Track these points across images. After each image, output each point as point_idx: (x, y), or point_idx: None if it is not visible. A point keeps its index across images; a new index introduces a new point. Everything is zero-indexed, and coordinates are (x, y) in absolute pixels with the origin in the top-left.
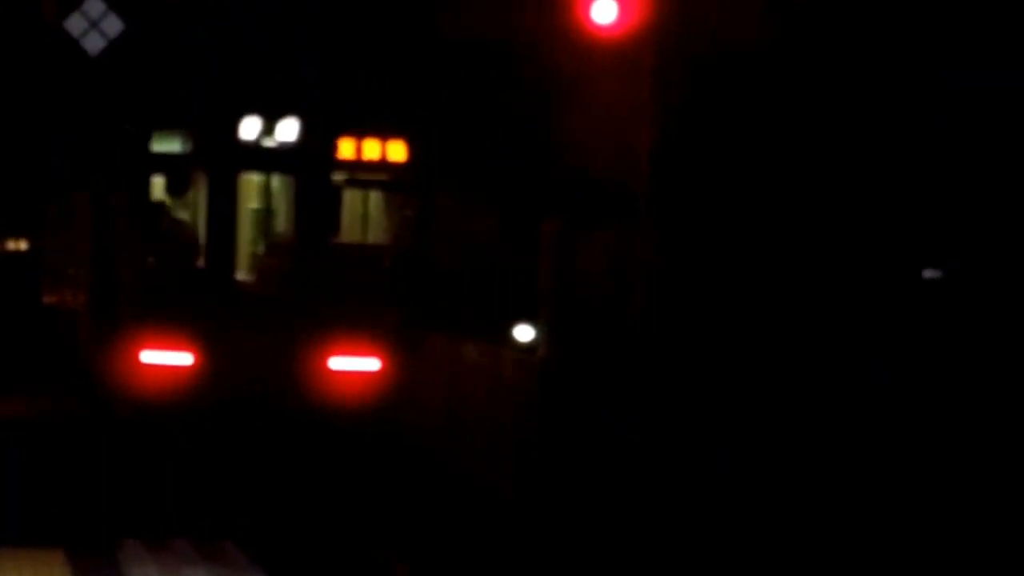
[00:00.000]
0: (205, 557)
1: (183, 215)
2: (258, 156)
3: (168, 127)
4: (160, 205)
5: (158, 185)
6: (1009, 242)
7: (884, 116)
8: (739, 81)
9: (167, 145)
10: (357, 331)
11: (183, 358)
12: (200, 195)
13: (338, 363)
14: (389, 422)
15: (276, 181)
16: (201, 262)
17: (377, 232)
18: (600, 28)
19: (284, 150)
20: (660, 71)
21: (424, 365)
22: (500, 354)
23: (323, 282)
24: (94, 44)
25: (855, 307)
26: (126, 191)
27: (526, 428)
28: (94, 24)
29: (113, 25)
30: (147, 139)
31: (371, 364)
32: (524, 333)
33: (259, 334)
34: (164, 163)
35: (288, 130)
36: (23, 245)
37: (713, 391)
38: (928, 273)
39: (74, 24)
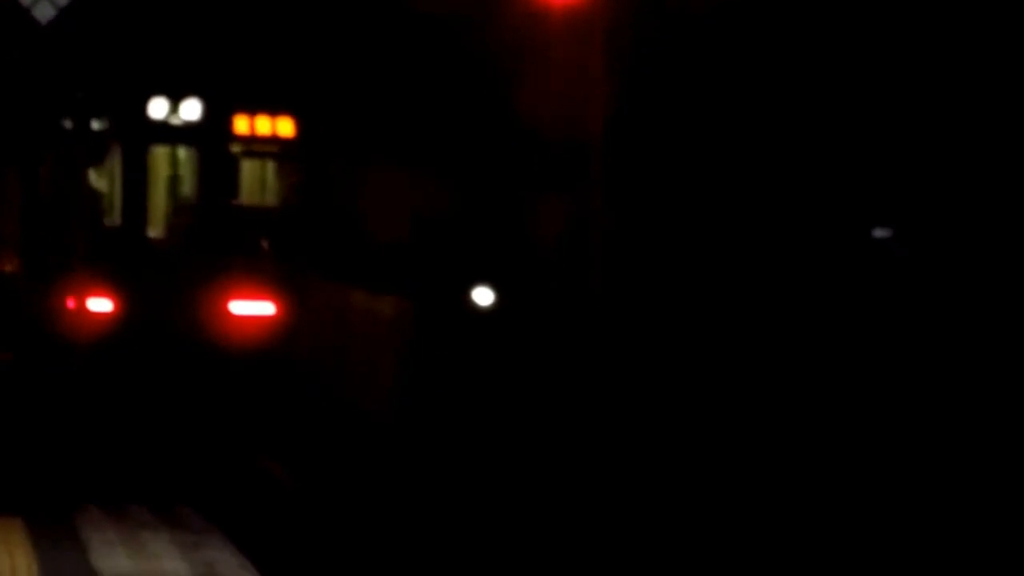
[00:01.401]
0: (164, 521)
1: (103, 183)
2: (166, 131)
3: (89, 107)
4: (82, 173)
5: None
6: (962, 204)
7: (833, 74)
8: (689, 43)
9: (86, 124)
10: (253, 279)
11: (104, 304)
12: (117, 165)
13: (237, 307)
14: (282, 357)
15: (182, 152)
16: (118, 222)
17: (269, 195)
18: None
19: (188, 126)
20: (611, 35)
21: (314, 308)
22: (381, 300)
23: (223, 238)
24: (44, 12)
25: (806, 266)
26: (54, 162)
27: (402, 360)
28: None
29: None
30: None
31: (266, 308)
32: (482, 296)
33: (169, 283)
34: (85, 137)
35: (191, 109)
36: None
37: (667, 351)
38: (879, 232)
39: None
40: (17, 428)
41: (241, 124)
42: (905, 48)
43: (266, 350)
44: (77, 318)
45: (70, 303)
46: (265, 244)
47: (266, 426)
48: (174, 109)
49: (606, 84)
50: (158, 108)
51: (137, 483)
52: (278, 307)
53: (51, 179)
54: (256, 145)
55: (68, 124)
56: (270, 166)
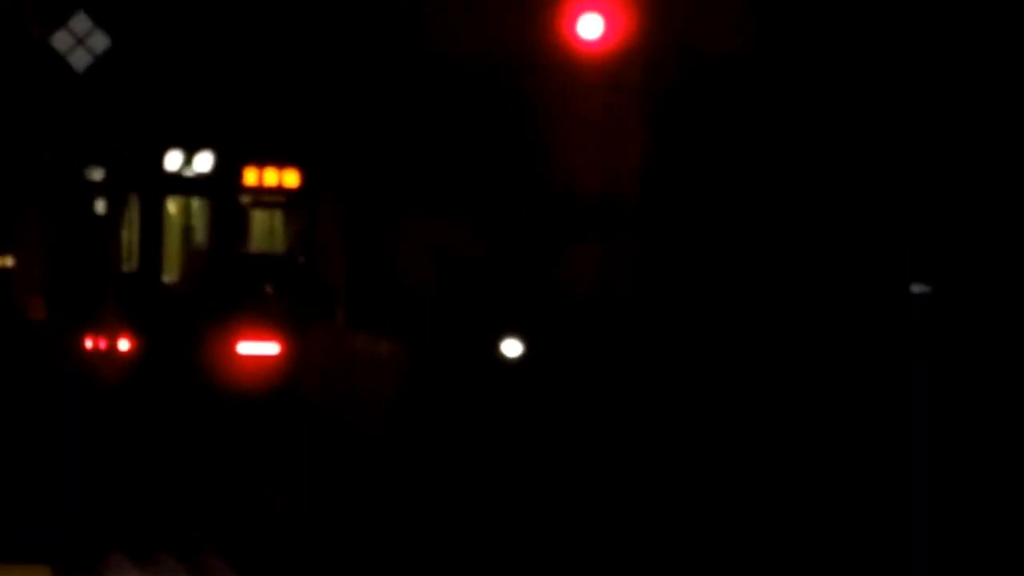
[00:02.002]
0: (191, 570)
1: (122, 230)
2: (178, 183)
3: (104, 160)
4: (100, 221)
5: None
6: (999, 256)
7: (870, 124)
8: (724, 93)
9: (106, 175)
10: (259, 322)
11: (122, 344)
12: (134, 214)
13: (244, 347)
14: (287, 392)
15: (195, 202)
16: (135, 268)
17: (276, 243)
18: (586, 44)
19: (200, 178)
20: (645, 86)
21: (315, 348)
22: (380, 342)
23: (232, 283)
24: (80, 60)
25: (842, 320)
26: (73, 210)
27: (400, 393)
28: (80, 41)
29: (99, 41)
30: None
31: (271, 348)
32: (511, 348)
33: (182, 325)
34: (103, 187)
35: (203, 162)
36: (9, 262)
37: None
38: (917, 288)
39: (60, 40)
40: (40, 467)
41: (250, 176)
42: (954, 98)
43: (271, 387)
44: (97, 358)
45: (90, 343)
46: (270, 289)
47: (270, 456)
48: (188, 162)
49: (640, 134)
50: (172, 161)
51: (151, 515)
52: (283, 347)
53: (74, 225)
54: (263, 196)
55: (91, 173)
56: (276, 215)
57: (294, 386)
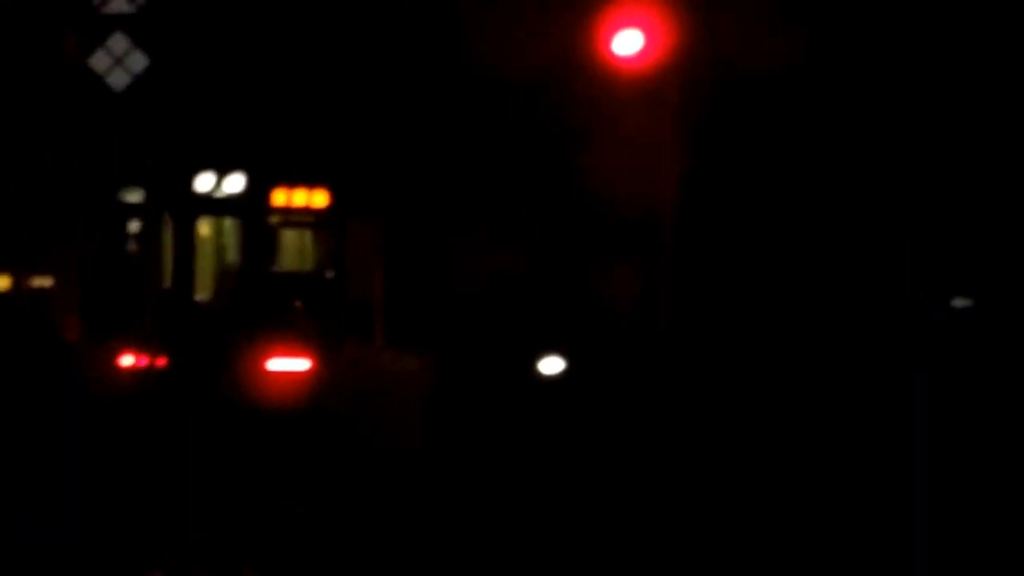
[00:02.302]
0: None
1: (156, 250)
2: (210, 204)
3: (137, 181)
4: (134, 241)
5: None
6: None
7: (912, 141)
8: (761, 110)
9: (138, 196)
10: (289, 338)
11: (149, 361)
12: (167, 234)
13: (275, 364)
14: (317, 408)
15: (226, 222)
16: (168, 286)
17: (305, 262)
18: (622, 60)
19: (230, 199)
20: (681, 101)
21: (344, 364)
22: (406, 357)
23: (262, 301)
24: (119, 80)
25: (882, 337)
26: (107, 231)
27: (427, 409)
28: (118, 61)
29: (137, 61)
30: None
31: (301, 364)
32: (551, 365)
33: (212, 341)
34: (136, 210)
35: (233, 183)
36: (48, 282)
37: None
38: (958, 302)
39: (98, 61)
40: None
41: (279, 197)
42: (1003, 117)
43: (301, 403)
44: (129, 374)
45: (124, 361)
46: (300, 306)
47: (299, 470)
48: (218, 184)
49: (677, 150)
50: (204, 183)
51: (181, 527)
52: (313, 363)
53: (109, 246)
54: (292, 216)
55: (125, 195)
56: (305, 234)
57: (323, 402)
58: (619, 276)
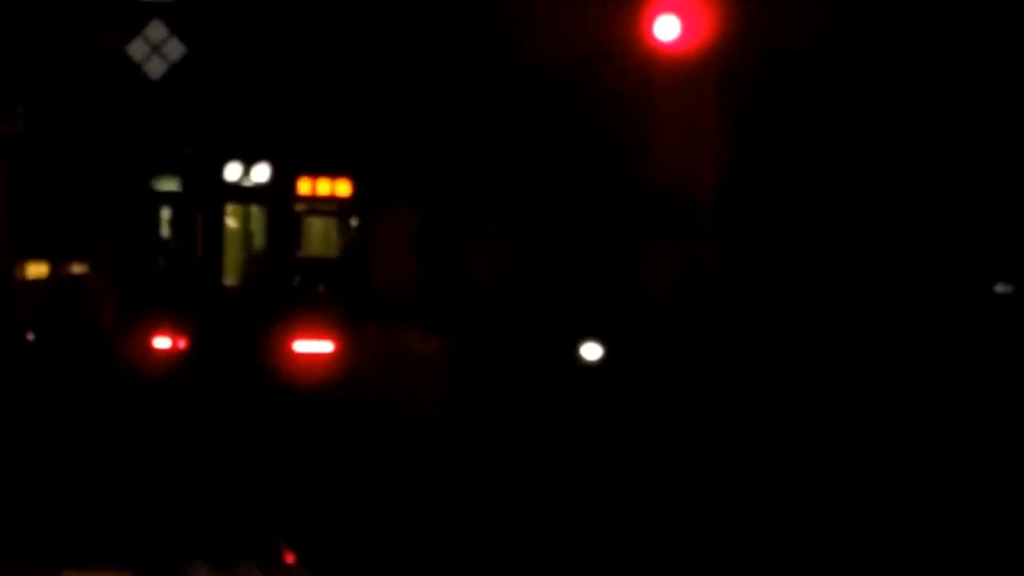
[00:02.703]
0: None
1: (186, 236)
2: (238, 192)
3: (170, 172)
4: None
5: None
6: None
7: (956, 124)
8: (801, 94)
9: (169, 184)
10: (314, 321)
11: (181, 345)
12: (197, 221)
13: (300, 345)
14: (341, 388)
15: (253, 210)
16: (199, 271)
17: (329, 248)
18: (662, 45)
19: (258, 188)
20: (722, 85)
21: (367, 345)
22: (428, 339)
23: (288, 285)
24: (156, 68)
25: (921, 324)
26: (140, 218)
27: (444, 390)
28: (156, 48)
29: (175, 49)
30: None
31: (326, 346)
32: (591, 351)
33: (241, 324)
34: (168, 198)
35: (260, 173)
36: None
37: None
38: (1000, 288)
39: (136, 49)
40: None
41: (304, 186)
42: None
43: (326, 383)
44: (162, 355)
45: (157, 343)
46: (324, 290)
47: (328, 446)
48: (246, 173)
49: (717, 134)
50: (232, 172)
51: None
52: (336, 345)
53: (142, 233)
54: (317, 204)
55: (158, 183)
56: (329, 221)
57: (347, 384)
58: (659, 262)
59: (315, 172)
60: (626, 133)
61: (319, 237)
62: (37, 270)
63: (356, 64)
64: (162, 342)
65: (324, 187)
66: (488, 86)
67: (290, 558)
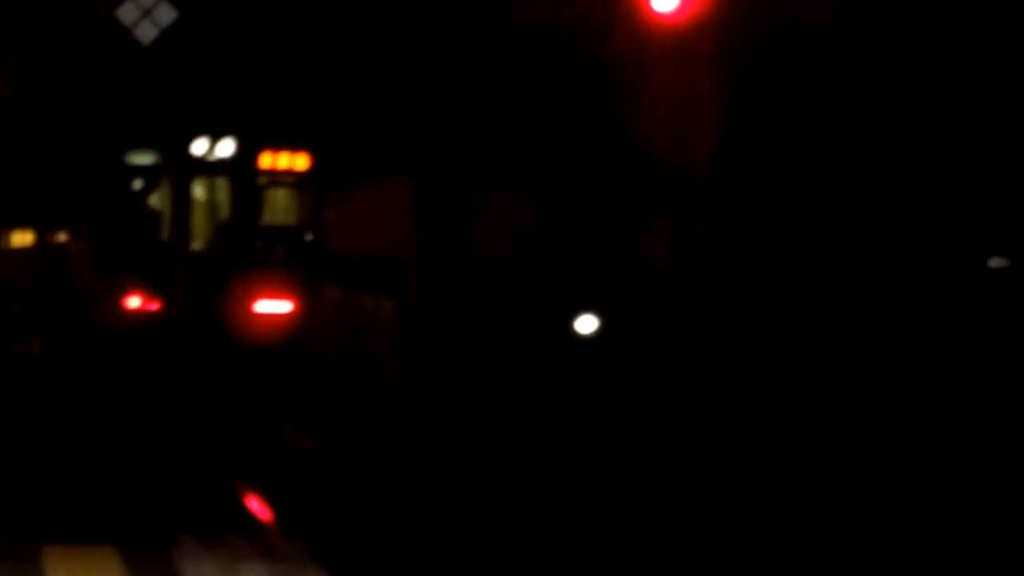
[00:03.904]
0: (263, 553)
1: (157, 205)
2: (205, 166)
3: (144, 146)
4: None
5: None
6: None
7: (953, 99)
8: (803, 67)
9: (142, 158)
10: (274, 283)
11: (152, 305)
12: (167, 193)
13: (261, 306)
14: (299, 347)
15: (219, 182)
16: (168, 238)
17: (288, 218)
18: (660, 15)
19: (222, 162)
20: (718, 55)
21: (327, 306)
22: (381, 301)
23: (250, 250)
24: (146, 33)
25: (920, 300)
26: (115, 189)
27: (395, 346)
28: (147, 12)
29: (166, 14)
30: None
31: (285, 306)
32: (586, 324)
33: (206, 287)
34: (140, 170)
35: (225, 148)
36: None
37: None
38: (995, 262)
39: (126, 12)
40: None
41: (265, 160)
42: None
43: (285, 340)
44: (131, 317)
45: (127, 304)
46: (283, 256)
47: (288, 402)
48: (211, 148)
49: (713, 105)
50: (199, 147)
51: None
52: (295, 305)
53: (117, 202)
54: (277, 177)
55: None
56: (288, 192)
57: (304, 344)
58: (654, 233)
59: (276, 147)
60: (620, 103)
61: (279, 207)
62: (23, 239)
63: (324, 35)
64: (134, 301)
65: (284, 161)
66: (481, 53)
67: (282, 536)
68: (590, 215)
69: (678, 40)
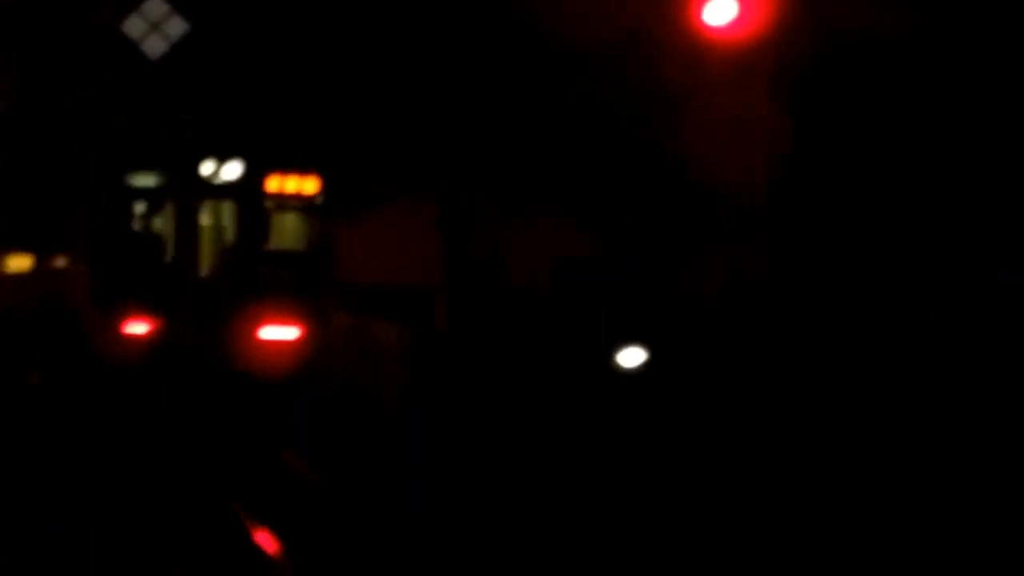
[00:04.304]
0: None
1: (161, 229)
2: (211, 189)
3: (147, 168)
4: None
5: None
6: None
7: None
8: (867, 85)
9: (147, 180)
10: (280, 309)
11: (154, 330)
12: (171, 216)
13: (267, 332)
14: (306, 373)
15: (225, 206)
16: (173, 262)
17: (295, 242)
18: (714, 30)
19: (229, 185)
20: (779, 72)
21: (332, 335)
22: (390, 328)
23: (257, 275)
24: (155, 47)
25: (994, 333)
26: (118, 212)
27: (405, 372)
28: (155, 26)
29: (176, 27)
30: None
31: (292, 332)
32: (631, 357)
33: (212, 312)
34: (144, 193)
35: (232, 171)
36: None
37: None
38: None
39: (133, 26)
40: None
41: (273, 183)
42: None
43: (292, 367)
44: (134, 342)
45: (129, 330)
46: (290, 280)
47: (290, 426)
48: (218, 171)
49: (772, 128)
50: (205, 170)
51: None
52: (302, 331)
53: (119, 226)
54: (285, 201)
55: (134, 179)
56: (296, 217)
57: (312, 371)
58: (707, 265)
59: (283, 171)
60: (672, 124)
61: (286, 232)
62: (20, 263)
63: (337, 57)
64: (136, 328)
65: (292, 185)
66: (521, 73)
67: (265, 541)
68: (637, 242)
69: (734, 56)
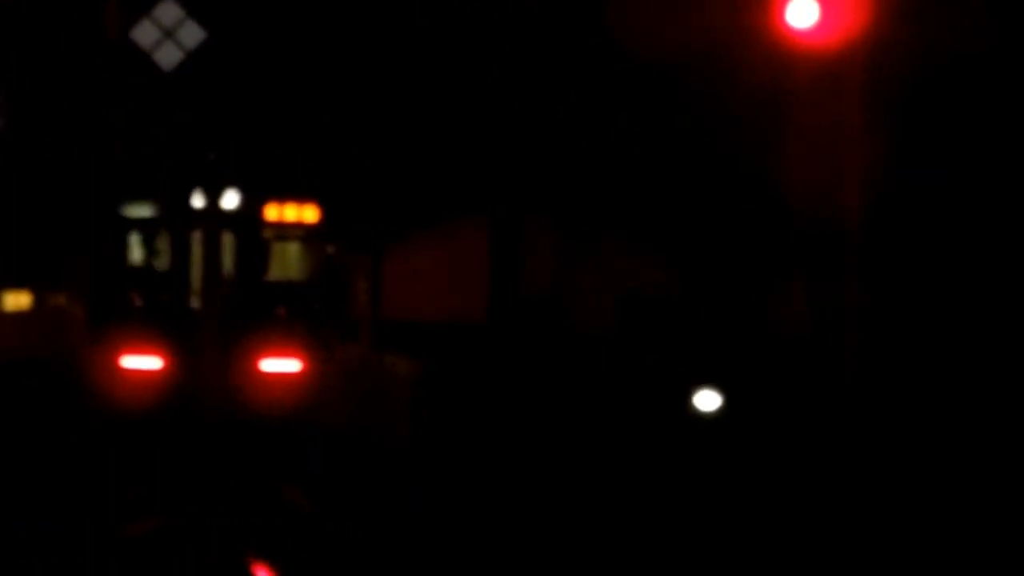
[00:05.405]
0: None
1: (156, 261)
2: (208, 218)
3: (142, 198)
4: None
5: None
6: None
7: None
8: (965, 96)
9: (141, 211)
10: (281, 341)
11: (155, 363)
12: (166, 246)
13: (267, 364)
14: (309, 407)
15: (223, 236)
16: (167, 294)
17: (295, 272)
18: (798, 34)
19: (226, 214)
20: (872, 87)
21: (342, 365)
22: (399, 362)
23: (256, 307)
24: (169, 57)
25: None
26: (112, 244)
27: (414, 407)
28: (168, 33)
29: (192, 34)
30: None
31: (292, 365)
32: (707, 400)
33: (209, 344)
34: (139, 224)
35: (229, 200)
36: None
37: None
38: None
39: (144, 34)
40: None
41: (271, 212)
42: None
43: (294, 400)
44: (129, 376)
45: (124, 363)
46: (290, 312)
47: (292, 460)
48: (216, 199)
49: (863, 143)
50: (200, 199)
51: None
52: (303, 364)
53: (113, 259)
54: (284, 229)
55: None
56: (296, 246)
57: (318, 401)
58: (791, 298)
59: (281, 199)
60: (752, 140)
61: (286, 261)
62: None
63: (348, 82)
64: (132, 362)
65: (291, 213)
66: (590, 90)
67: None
68: (715, 275)
69: (819, 65)
